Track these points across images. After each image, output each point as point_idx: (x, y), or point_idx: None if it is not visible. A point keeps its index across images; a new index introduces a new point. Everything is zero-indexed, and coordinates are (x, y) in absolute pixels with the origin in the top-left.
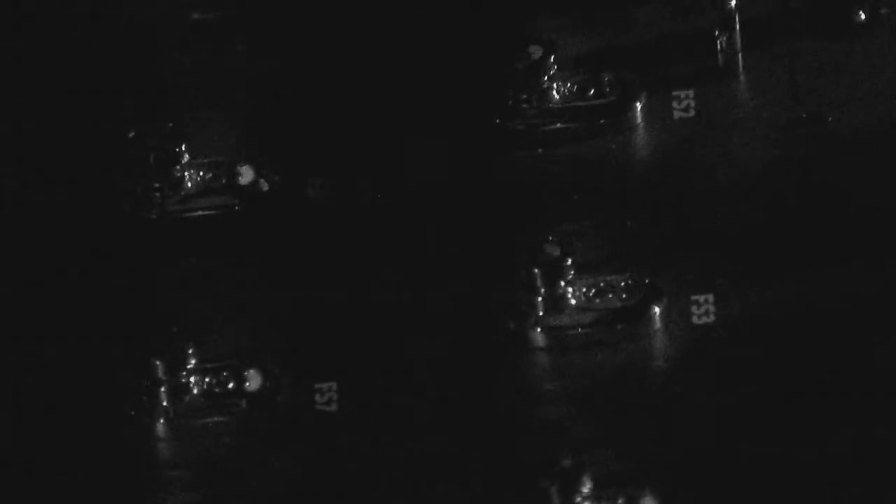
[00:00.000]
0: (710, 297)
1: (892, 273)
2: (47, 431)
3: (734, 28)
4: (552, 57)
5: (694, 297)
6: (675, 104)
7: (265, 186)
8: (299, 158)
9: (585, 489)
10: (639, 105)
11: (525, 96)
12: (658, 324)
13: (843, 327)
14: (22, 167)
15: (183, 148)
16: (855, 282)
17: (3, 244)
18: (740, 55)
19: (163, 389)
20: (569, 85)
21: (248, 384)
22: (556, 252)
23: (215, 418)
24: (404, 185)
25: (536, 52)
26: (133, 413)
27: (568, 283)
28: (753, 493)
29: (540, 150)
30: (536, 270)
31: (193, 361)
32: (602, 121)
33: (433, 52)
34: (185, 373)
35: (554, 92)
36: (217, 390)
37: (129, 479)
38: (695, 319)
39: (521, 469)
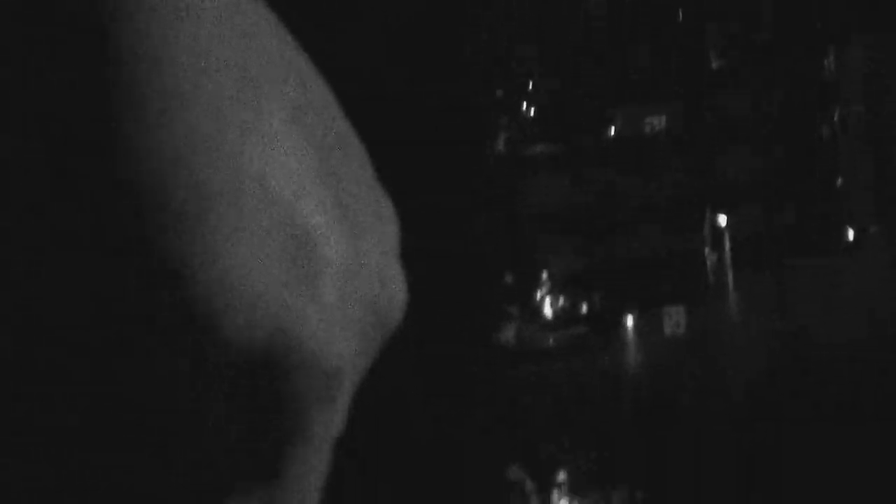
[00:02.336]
0: None
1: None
2: None
3: (724, 246)
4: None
5: None
6: (666, 320)
7: None
8: None
9: None
10: (630, 321)
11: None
12: None
13: None
14: None
15: None
16: (843, 488)
17: None
18: (730, 273)
19: None
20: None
21: None
22: (522, 478)
23: None
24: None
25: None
26: None
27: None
28: None
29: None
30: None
31: None
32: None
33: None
34: None
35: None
36: None
37: None
38: None
39: None
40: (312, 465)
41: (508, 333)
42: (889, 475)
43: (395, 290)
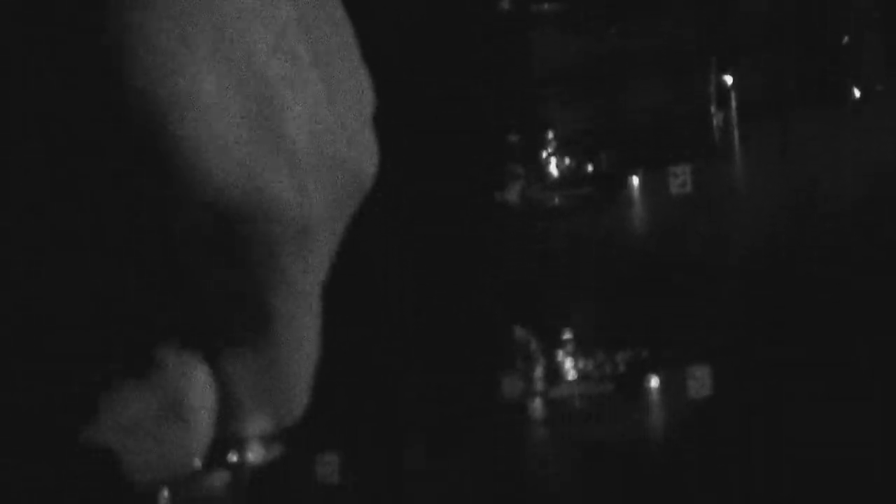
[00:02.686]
0: (707, 370)
1: (888, 342)
2: None
3: (730, 105)
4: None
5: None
6: (671, 180)
7: None
8: None
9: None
10: (635, 180)
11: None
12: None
13: (840, 403)
14: None
15: None
16: (848, 351)
17: None
18: (736, 132)
19: None
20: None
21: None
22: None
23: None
24: (401, 255)
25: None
26: None
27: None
28: None
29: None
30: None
31: None
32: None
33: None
34: None
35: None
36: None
37: None
38: (692, 393)
39: None
40: (299, 317)
41: (513, 192)
42: (891, 330)
43: (367, 154)
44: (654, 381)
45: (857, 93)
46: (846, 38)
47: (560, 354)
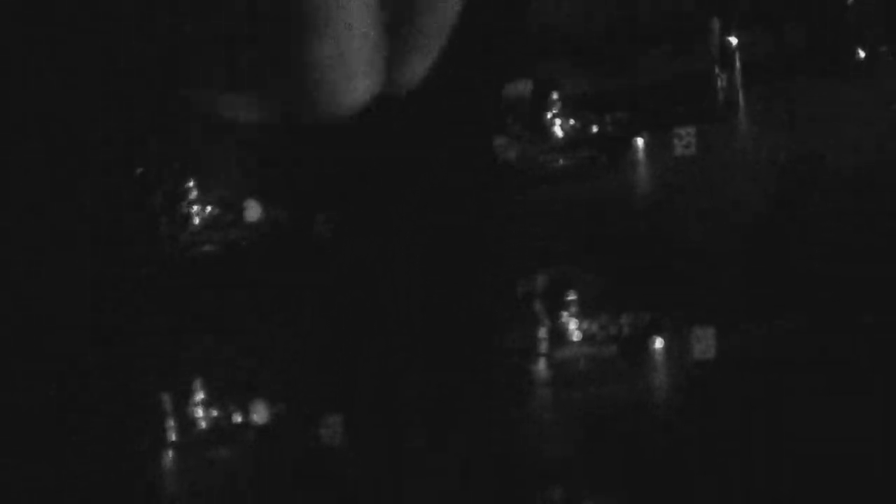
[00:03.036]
0: (711, 331)
1: (888, 308)
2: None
3: (734, 67)
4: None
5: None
6: (676, 141)
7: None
8: (305, 195)
9: None
10: (640, 142)
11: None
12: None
13: (841, 366)
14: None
15: (191, 184)
16: (850, 319)
17: None
18: (740, 94)
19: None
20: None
21: (254, 417)
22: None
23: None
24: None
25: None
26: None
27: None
28: None
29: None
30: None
31: (201, 395)
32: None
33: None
34: (192, 406)
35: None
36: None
37: None
38: (696, 355)
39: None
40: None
41: (517, 154)
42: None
43: None
44: (659, 343)
45: (861, 55)
46: (850, 1)
47: (564, 316)
